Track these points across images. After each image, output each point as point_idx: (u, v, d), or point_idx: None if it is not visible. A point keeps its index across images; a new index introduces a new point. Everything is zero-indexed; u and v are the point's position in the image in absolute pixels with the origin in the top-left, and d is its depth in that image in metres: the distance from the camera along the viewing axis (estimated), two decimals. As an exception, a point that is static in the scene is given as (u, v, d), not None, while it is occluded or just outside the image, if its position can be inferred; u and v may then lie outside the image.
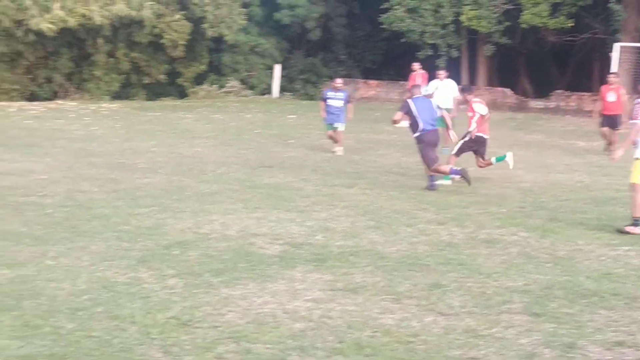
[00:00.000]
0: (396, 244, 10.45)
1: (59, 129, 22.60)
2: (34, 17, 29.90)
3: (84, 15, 31.13)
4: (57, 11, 30.27)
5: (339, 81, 20.08)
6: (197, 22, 35.54)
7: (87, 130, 22.65)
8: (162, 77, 37.79)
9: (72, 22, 30.71)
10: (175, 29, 34.49)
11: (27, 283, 8.26)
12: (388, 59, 43.32)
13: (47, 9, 30.30)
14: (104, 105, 31.09)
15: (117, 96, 36.13)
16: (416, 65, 26.08)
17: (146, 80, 37.66)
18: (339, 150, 19.21)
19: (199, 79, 39.59)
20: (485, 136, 15.91)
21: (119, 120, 25.83)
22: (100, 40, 34.46)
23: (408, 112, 14.85)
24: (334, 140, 19.43)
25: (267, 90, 40.36)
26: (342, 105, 19.35)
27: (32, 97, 34.04)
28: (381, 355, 6.64)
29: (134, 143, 20.02)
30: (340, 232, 11.05)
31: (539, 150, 21.44)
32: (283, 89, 40.44)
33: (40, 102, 31.76)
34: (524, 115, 33.83)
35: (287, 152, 18.83)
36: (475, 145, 15.87)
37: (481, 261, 9.67)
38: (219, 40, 38.02)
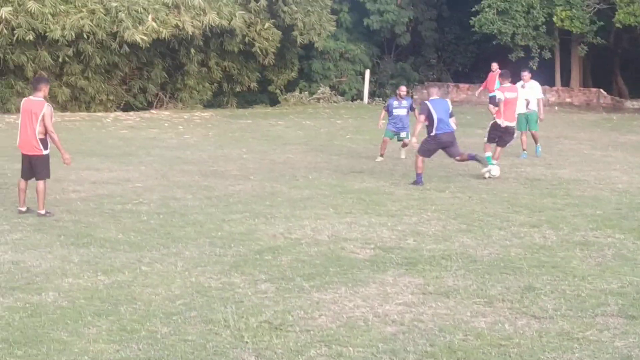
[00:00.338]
0: (488, 247, 10.38)
1: (153, 138, 23.01)
2: (128, 29, 30.47)
3: (176, 26, 31.63)
4: (151, 23, 30.82)
5: (403, 89, 19.69)
6: (287, 29, 35.82)
7: (181, 138, 23.01)
8: (253, 85, 38.17)
9: (165, 33, 31.22)
10: (266, 37, 34.81)
11: (123, 288, 8.45)
12: (479, 62, 42.99)
13: (140, 21, 30.87)
14: (196, 113, 31.54)
15: (209, 105, 36.64)
16: (494, 66, 25.89)
17: (238, 88, 38.10)
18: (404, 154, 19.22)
19: (290, 86, 39.88)
20: (512, 124, 17.10)
21: (211, 128, 26.17)
22: (192, 50, 34.97)
23: (427, 115, 15.17)
24: (383, 149, 19.07)
25: (358, 96, 40.45)
26: (407, 114, 19.09)
27: (127, 107, 34.70)
28: (473, 358, 6.61)
29: (226, 150, 20.27)
30: (431, 235, 11.03)
31: (635, 151, 21.00)
32: (373, 94, 40.47)
33: (135, 112, 32.39)
34: (619, 115, 33.22)
35: (378, 157, 18.81)
36: (500, 133, 17.00)
37: (575, 264, 9.54)
38: (309, 47, 38.25)
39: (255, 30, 34.58)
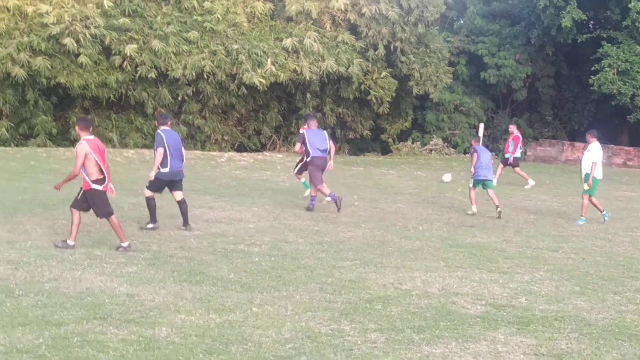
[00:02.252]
0: (603, 311, 10.13)
1: (266, 180, 23.28)
2: (247, 72, 31.03)
3: (294, 71, 32.07)
4: (269, 66, 31.33)
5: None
6: (403, 79, 35.92)
7: (293, 182, 23.19)
8: (366, 132, 38.31)
9: (282, 77, 31.70)
10: (382, 86, 34.96)
11: (234, 328, 8.52)
12: (596, 121, 42.28)
13: (259, 64, 31.41)
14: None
15: (322, 150, 36.88)
16: (512, 128, 26.43)
17: (351, 135, 38.29)
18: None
19: (403, 136, 39.91)
20: None
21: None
22: (308, 95, 35.37)
23: (303, 142, 17.62)
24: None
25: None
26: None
27: (241, 148, 35.22)
28: None
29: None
30: (544, 295, 10.82)
31: None
32: (486, 148, 40.04)
33: (249, 153, 32.82)
34: None
35: (489, 212, 18.59)
36: None
37: (695, 335, 9.21)
38: (424, 97, 38.26)
39: (372, 79, 34.78)
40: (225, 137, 35.10)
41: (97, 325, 8.40)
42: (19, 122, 31.42)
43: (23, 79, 29.35)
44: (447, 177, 22.34)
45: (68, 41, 28.87)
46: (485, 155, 18.89)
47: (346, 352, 7.93)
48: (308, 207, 17.78)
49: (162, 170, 14.40)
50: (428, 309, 9.75)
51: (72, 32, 28.92)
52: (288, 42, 31.98)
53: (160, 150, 14.20)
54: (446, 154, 38.52)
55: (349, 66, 33.05)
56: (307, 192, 19.14)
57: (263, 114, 36.12)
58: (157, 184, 14.59)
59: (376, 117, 38.10)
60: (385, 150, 39.03)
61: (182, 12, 31.70)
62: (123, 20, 30.16)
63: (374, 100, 35.28)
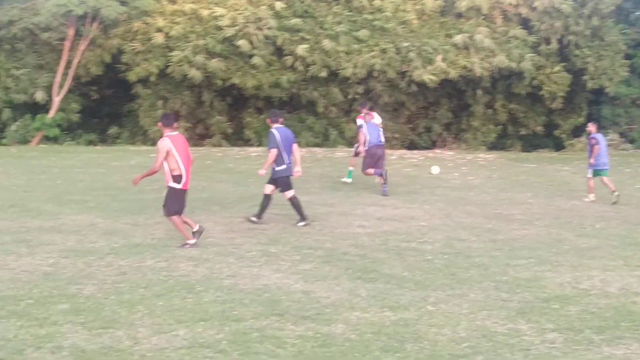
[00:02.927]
0: None
1: (437, 178, 23.16)
2: (417, 69, 31.03)
3: (464, 67, 31.82)
4: (440, 63, 31.20)
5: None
6: (577, 73, 35.01)
7: (464, 179, 23.01)
8: (539, 128, 37.56)
9: (453, 73, 31.52)
10: (555, 81, 34.19)
11: (409, 326, 8.53)
12: None
13: (429, 61, 31.34)
14: (480, 155, 31.42)
15: (492, 147, 36.39)
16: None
17: (523, 131, 37.61)
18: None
19: (576, 131, 38.85)
20: None
21: (495, 170, 25.97)
22: (479, 92, 35.00)
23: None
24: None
25: (648, 144, 38.79)
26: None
27: (411, 146, 35.20)
28: None
29: (510, 194, 20.03)
30: None
31: None
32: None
33: (419, 151, 32.75)
34: None
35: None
36: None
37: None
38: (599, 92, 37.16)
39: (545, 73, 34.07)
40: (396, 135, 35.15)
41: (275, 321, 8.57)
42: (196, 122, 32.49)
43: (199, 80, 30.29)
44: (435, 170, 22.56)
45: (242, 43, 29.65)
46: (604, 144, 19.10)
47: (523, 352, 7.81)
48: (383, 193, 18.69)
49: (278, 168, 14.53)
50: (607, 309, 9.47)
51: (246, 34, 29.68)
52: (458, 38, 31.77)
53: (273, 151, 14.33)
54: (623, 149, 37.28)
55: (521, 61, 32.51)
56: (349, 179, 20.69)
57: (433, 111, 36.00)
58: (284, 182, 14.68)
59: (549, 112, 37.27)
60: (559, 146, 38.12)
61: (352, 11, 31.97)
62: (295, 21, 30.70)
63: (547, 95, 34.56)
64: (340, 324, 8.54)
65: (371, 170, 18.92)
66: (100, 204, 16.15)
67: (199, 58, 29.74)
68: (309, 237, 13.36)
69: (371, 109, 20.15)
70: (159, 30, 30.30)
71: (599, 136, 19.15)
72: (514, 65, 32.40)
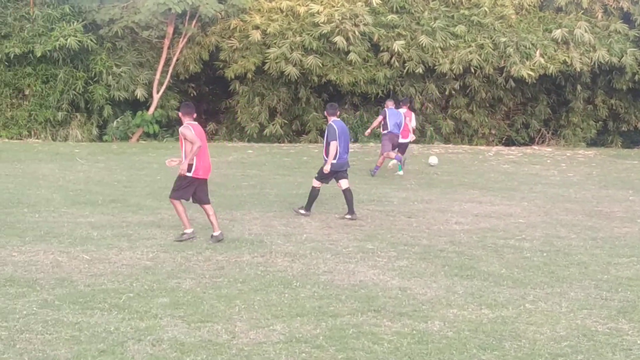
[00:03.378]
0: None
1: (535, 174, 22.84)
2: (515, 64, 30.60)
3: (564, 62, 31.24)
4: (538, 58, 30.73)
5: None
6: (680, 67, 34.09)
7: (563, 176, 22.64)
8: (641, 124, 36.71)
9: (552, 68, 30.95)
10: (659, 76, 33.35)
11: (507, 324, 8.43)
12: None
13: (528, 56, 30.88)
14: (579, 151, 30.88)
15: (592, 143, 35.67)
16: None
17: (624, 127, 36.74)
18: None
19: (680, 127, 37.87)
20: None
21: (594, 167, 25.49)
22: (578, 87, 34.34)
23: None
24: None
25: None
26: None
27: (508, 142, 34.76)
28: None
29: (611, 191, 19.62)
30: None
31: None
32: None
33: (517, 147, 32.38)
34: None
35: None
36: None
37: None
38: None
39: (647, 68, 33.25)
40: (493, 131, 34.76)
41: (372, 317, 8.57)
42: (292, 119, 32.64)
43: (296, 77, 30.44)
44: (433, 160, 22.77)
45: (338, 39, 29.66)
46: None
47: (625, 351, 7.65)
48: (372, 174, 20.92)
49: (333, 161, 14.69)
50: None
51: (342, 30, 29.68)
52: (557, 33, 31.19)
53: (334, 143, 14.50)
54: None
55: (622, 56, 31.74)
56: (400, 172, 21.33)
57: (531, 107, 35.43)
58: (326, 175, 14.89)
59: (651, 108, 36.38)
60: (662, 142, 37.20)
61: (449, 6, 31.68)
62: (391, 17, 30.59)
63: (650, 90, 33.73)
64: (437, 321, 8.49)
65: (392, 154, 20.64)
66: (199, 200, 16.35)
67: (296, 55, 29.85)
68: (405, 233, 13.33)
69: (412, 110, 20.78)
70: (256, 27, 30.49)
71: None
72: (615, 60, 31.67)
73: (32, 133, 29.67)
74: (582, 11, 32.07)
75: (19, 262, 10.65)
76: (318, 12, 30.00)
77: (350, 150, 15.30)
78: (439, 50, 30.72)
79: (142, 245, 11.93)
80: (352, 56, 30.10)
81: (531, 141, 35.11)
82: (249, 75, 30.94)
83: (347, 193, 14.85)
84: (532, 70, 30.71)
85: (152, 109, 30.72)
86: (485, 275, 10.58)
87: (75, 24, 28.74)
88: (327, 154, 14.66)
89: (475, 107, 33.97)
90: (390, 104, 21.72)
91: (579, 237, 13.47)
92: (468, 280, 10.29)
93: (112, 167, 21.43)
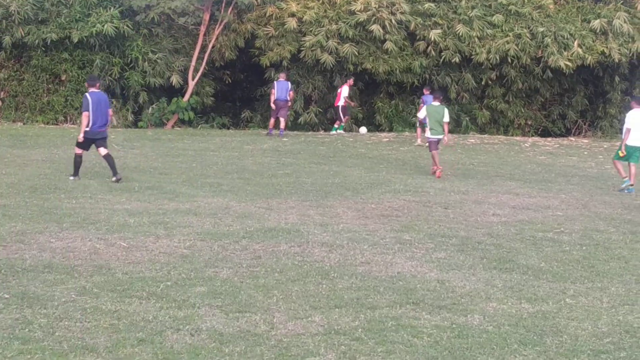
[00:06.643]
0: None
1: (572, 166, 22.64)
2: (552, 55, 30.34)
3: (602, 53, 30.94)
4: (576, 49, 30.44)
5: None
6: None
7: (601, 168, 22.42)
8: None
9: (590, 59, 30.67)
10: (698, 67, 32.97)
11: (547, 319, 8.33)
12: None
13: (565, 47, 30.61)
14: (616, 143, 30.54)
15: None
16: None
17: (662, 119, 36.37)
18: None
19: None
20: None
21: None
22: (616, 78, 34.01)
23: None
24: None
25: None
26: None
27: (544, 133, 34.50)
28: None
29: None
30: None
31: None
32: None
33: (553, 138, 32.13)
34: None
35: None
36: None
37: None
38: None
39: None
40: (529, 122, 34.56)
41: (410, 310, 8.50)
42: (327, 107, 32.55)
43: (331, 65, 30.38)
44: (363, 130, 25.94)
45: (375, 28, 29.58)
46: None
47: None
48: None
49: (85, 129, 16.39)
50: None
51: (378, 18, 29.59)
52: (596, 23, 30.89)
53: (86, 114, 16.23)
54: None
55: (662, 47, 31.41)
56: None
57: (568, 97, 35.14)
58: (82, 143, 16.46)
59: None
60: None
61: (486, -5, 31.49)
62: (428, 6, 30.44)
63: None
64: (477, 314, 8.41)
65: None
66: (234, 187, 16.34)
67: (332, 43, 29.79)
68: (442, 224, 13.23)
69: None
70: (292, 15, 30.45)
71: None
72: (654, 51, 31.35)
73: (68, 118, 29.84)
74: (621, 1, 31.76)
75: (57, 249, 10.67)
76: (355, 0, 29.91)
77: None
78: (476, 39, 30.55)
79: (179, 233, 11.91)
80: (388, 45, 30.01)
81: (567, 132, 34.86)
82: (285, 63, 30.90)
83: (107, 158, 16.47)
84: (569, 60, 30.48)
85: (187, 95, 30.78)
86: (524, 269, 10.47)
87: (112, 10, 28.87)
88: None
89: (512, 97, 33.75)
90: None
91: (618, 231, 13.31)
92: (507, 274, 10.19)
93: (147, 153, 21.48)
